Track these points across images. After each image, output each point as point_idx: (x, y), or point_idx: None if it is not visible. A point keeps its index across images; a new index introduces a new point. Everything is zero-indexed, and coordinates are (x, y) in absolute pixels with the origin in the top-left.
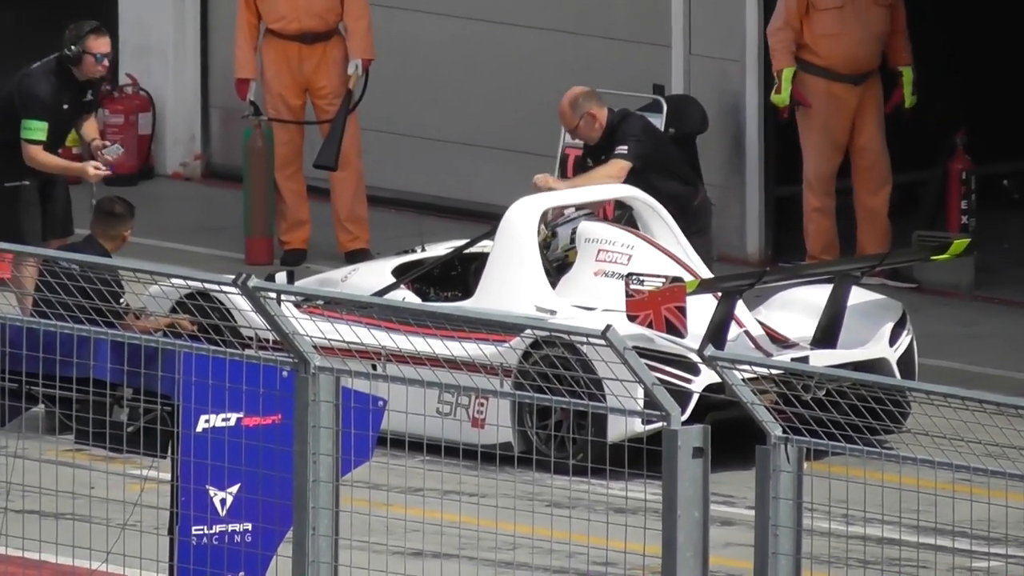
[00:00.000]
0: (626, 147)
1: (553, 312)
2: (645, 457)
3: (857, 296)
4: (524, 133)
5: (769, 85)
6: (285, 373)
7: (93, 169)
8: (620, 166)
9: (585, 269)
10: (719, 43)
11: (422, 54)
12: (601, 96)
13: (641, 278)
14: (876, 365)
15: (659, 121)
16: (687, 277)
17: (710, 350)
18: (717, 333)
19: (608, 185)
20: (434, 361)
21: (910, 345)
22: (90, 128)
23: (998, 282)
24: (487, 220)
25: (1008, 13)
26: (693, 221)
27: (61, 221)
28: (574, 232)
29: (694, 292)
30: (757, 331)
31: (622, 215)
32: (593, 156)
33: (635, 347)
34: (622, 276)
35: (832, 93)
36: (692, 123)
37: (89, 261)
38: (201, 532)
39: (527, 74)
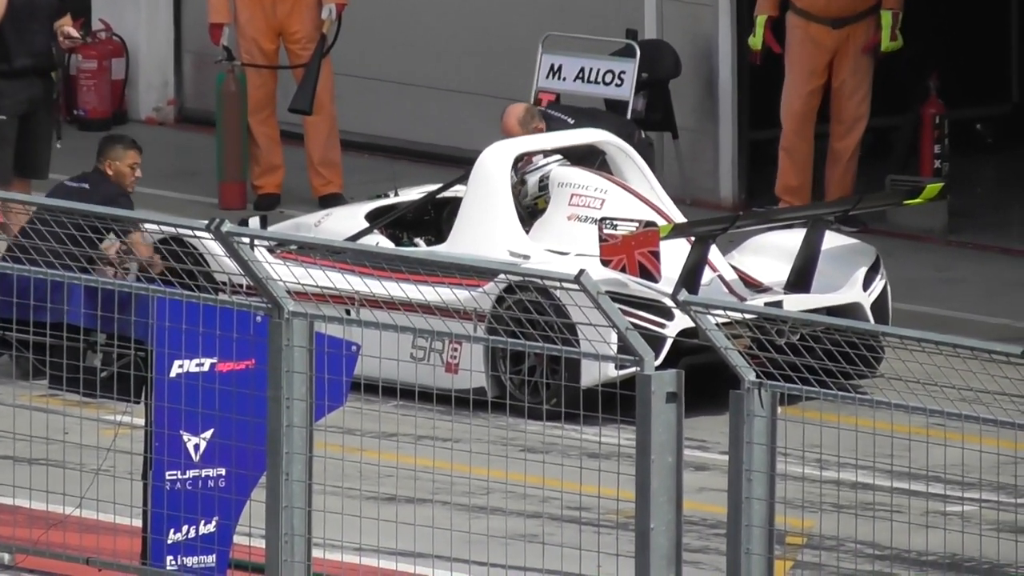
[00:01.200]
0: None
1: (526, 257)
2: (619, 402)
3: (831, 241)
4: (497, 78)
5: (743, 29)
6: (259, 318)
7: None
8: None
9: (558, 214)
10: None
11: None
12: (538, 112)
13: (614, 222)
14: (850, 310)
15: (632, 66)
16: (660, 221)
17: (684, 295)
18: (690, 278)
19: (579, 131)
20: (407, 306)
21: (884, 289)
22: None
23: (972, 227)
24: (460, 165)
25: None
26: None
27: (32, 162)
28: (543, 179)
29: (667, 236)
30: (731, 276)
31: (595, 161)
32: None
33: (608, 292)
34: (595, 220)
35: (810, 34)
36: (665, 68)
37: (72, 207)
38: (175, 477)
39: (501, 19)
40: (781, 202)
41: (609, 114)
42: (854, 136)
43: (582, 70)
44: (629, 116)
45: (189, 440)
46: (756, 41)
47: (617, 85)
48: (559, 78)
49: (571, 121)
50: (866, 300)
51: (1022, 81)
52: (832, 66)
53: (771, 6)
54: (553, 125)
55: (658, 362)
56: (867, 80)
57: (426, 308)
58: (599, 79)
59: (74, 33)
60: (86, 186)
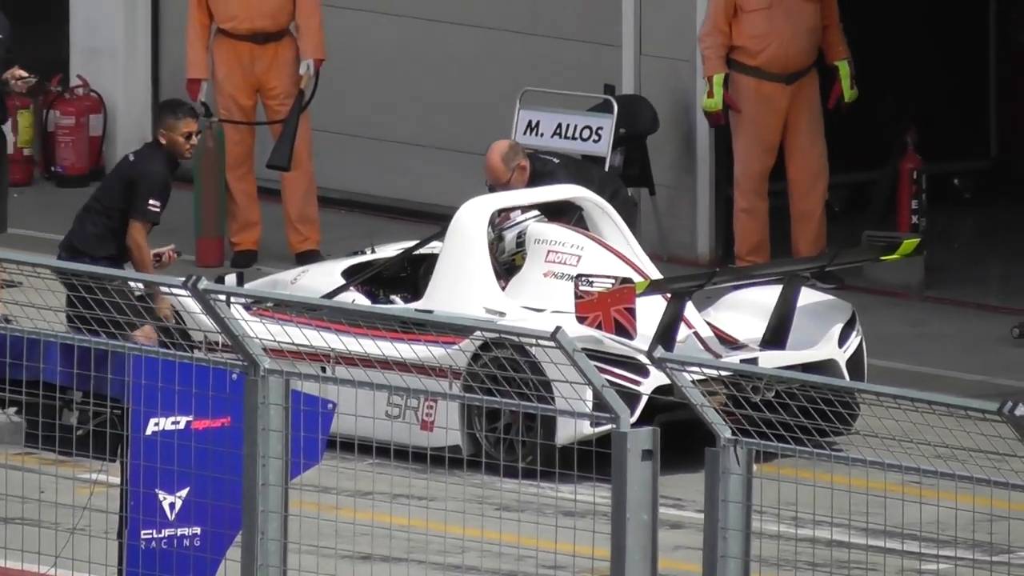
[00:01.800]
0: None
1: (502, 313)
2: (594, 460)
3: (806, 297)
4: (474, 134)
5: None
6: (235, 376)
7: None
8: None
9: (535, 270)
10: (670, 43)
11: (373, 54)
12: (522, 148)
13: (590, 279)
14: (825, 366)
15: (610, 121)
16: (636, 278)
17: (659, 351)
18: (666, 334)
19: (557, 187)
20: (383, 363)
21: (859, 346)
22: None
23: (948, 282)
24: (437, 221)
25: (957, 12)
26: None
27: None
28: (520, 236)
29: (643, 293)
30: (706, 332)
31: (572, 216)
32: None
33: (584, 348)
34: (571, 277)
35: (762, 93)
36: (643, 123)
37: (74, 270)
38: (150, 536)
39: (478, 74)
40: (740, 262)
41: (594, 166)
42: (818, 192)
43: (559, 126)
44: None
45: (165, 498)
46: (716, 102)
47: (595, 141)
48: (537, 134)
49: (556, 161)
50: (842, 357)
51: (1000, 136)
52: (786, 124)
53: (722, 64)
54: (538, 166)
55: (633, 419)
56: (822, 134)
57: (402, 365)
58: (577, 135)
59: (24, 74)
60: (131, 157)
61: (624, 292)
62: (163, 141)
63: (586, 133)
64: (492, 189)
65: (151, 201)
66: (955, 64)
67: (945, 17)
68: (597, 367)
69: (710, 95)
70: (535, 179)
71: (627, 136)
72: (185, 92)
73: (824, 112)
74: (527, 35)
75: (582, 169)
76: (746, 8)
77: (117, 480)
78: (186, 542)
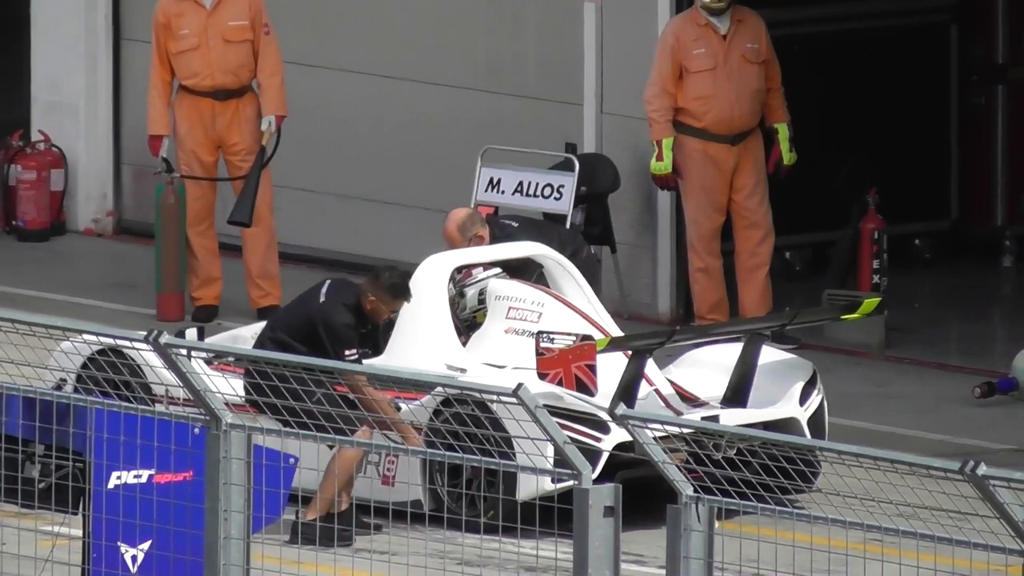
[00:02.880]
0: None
1: (463, 370)
2: (556, 516)
3: (767, 355)
4: (435, 191)
5: None
6: (197, 430)
7: None
8: None
9: (495, 326)
10: (631, 102)
11: (334, 111)
12: (481, 217)
13: (551, 336)
14: (786, 425)
15: (571, 180)
16: (597, 335)
17: (621, 409)
18: (627, 392)
19: (517, 244)
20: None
21: (821, 404)
22: None
23: (910, 342)
24: None
25: (918, 73)
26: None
27: None
28: (482, 292)
29: (604, 350)
30: (667, 390)
31: (532, 273)
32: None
33: (545, 405)
34: (532, 334)
35: (709, 154)
36: (604, 182)
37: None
38: None
39: (439, 132)
40: (700, 321)
41: (556, 225)
42: (767, 247)
43: (521, 183)
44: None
45: (127, 551)
46: (666, 165)
47: (556, 199)
48: (498, 191)
49: (515, 224)
50: (803, 415)
51: (961, 197)
52: (732, 183)
53: (670, 128)
54: (497, 232)
55: (594, 475)
56: (767, 193)
57: (363, 420)
58: (538, 192)
59: None
60: (322, 298)
61: (585, 349)
62: (368, 306)
63: (547, 191)
64: None
65: (347, 352)
66: (917, 126)
67: (907, 79)
68: (558, 423)
69: (659, 158)
70: (495, 243)
71: (588, 194)
72: (146, 147)
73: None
74: (489, 93)
75: (543, 229)
76: (691, 69)
77: (79, 533)
78: None
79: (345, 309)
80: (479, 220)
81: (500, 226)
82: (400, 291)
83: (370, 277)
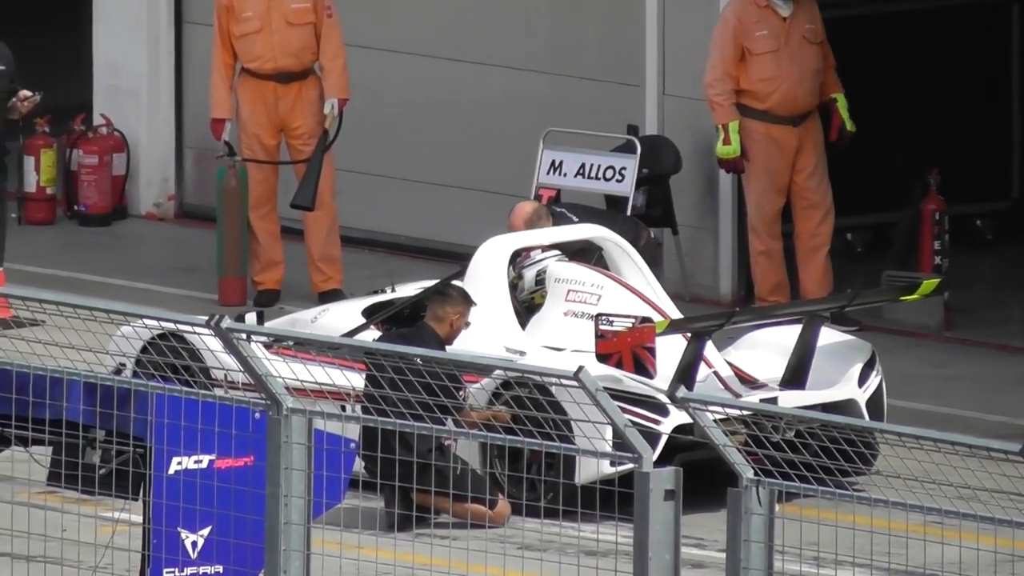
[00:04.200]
0: None
1: (522, 353)
2: (616, 499)
3: (826, 337)
4: (496, 173)
5: None
6: (257, 415)
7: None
8: None
9: (555, 309)
10: (693, 83)
11: (396, 94)
12: (549, 210)
13: (611, 318)
14: (845, 406)
15: (633, 162)
16: (657, 317)
17: (682, 391)
18: (686, 374)
19: (577, 226)
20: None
21: (879, 386)
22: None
23: (970, 323)
24: (458, 260)
25: (980, 52)
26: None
27: None
28: (540, 274)
29: (664, 332)
30: (726, 372)
31: (592, 255)
32: None
33: (605, 388)
34: (591, 316)
35: (772, 136)
36: (666, 164)
37: (387, 350)
38: (173, 574)
39: (500, 114)
40: (761, 303)
41: (617, 214)
42: (828, 227)
43: (583, 166)
44: (629, 212)
45: (187, 537)
46: (734, 148)
47: (618, 181)
48: (560, 174)
49: (575, 219)
50: (861, 397)
51: (1022, 177)
52: (795, 163)
53: (734, 111)
54: (560, 223)
55: (654, 458)
56: (826, 171)
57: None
58: (600, 175)
59: (28, 93)
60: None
61: (644, 331)
62: (452, 327)
63: (609, 173)
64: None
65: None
66: (977, 106)
67: (968, 59)
68: (618, 406)
69: (726, 142)
70: None
71: (650, 176)
72: (208, 131)
73: (829, 147)
74: (551, 75)
75: (601, 218)
76: (755, 51)
77: (139, 519)
78: None
79: (438, 346)
80: (545, 214)
81: (561, 218)
82: (470, 296)
83: (439, 301)
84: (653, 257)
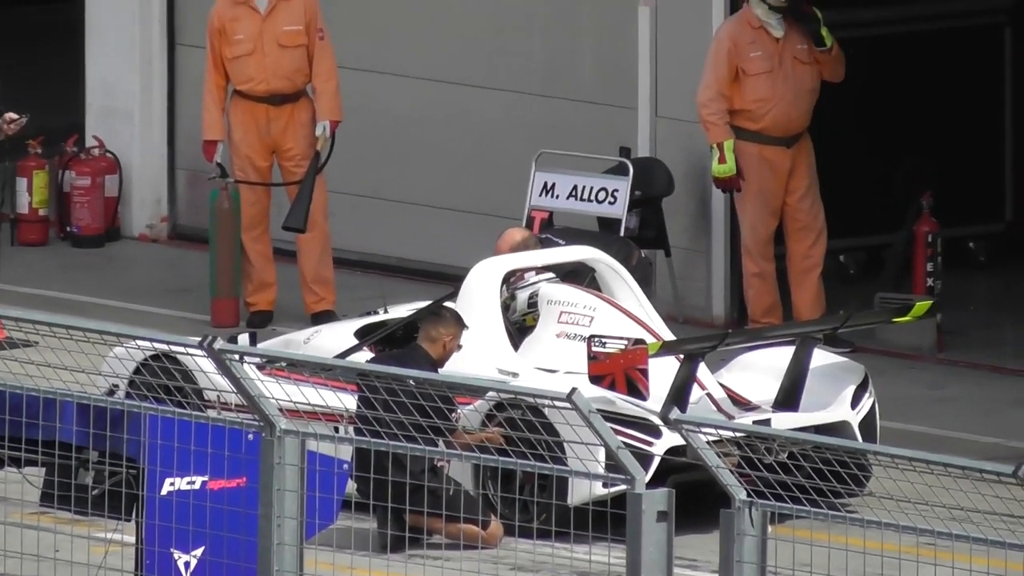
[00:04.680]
0: None
1: (515, 374)
2: (609, 520)
3: (819, 359)
4: (489, 195)
5: None
6: (250, 436)
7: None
8: None
9: (547, 331)
10: (686, 105)
11: (389, 116)
12: (537, 239)
13: (603, 340)
14: (838, 428)
15: (625, 184)
16: (649, 339)
17: (675, 413)
18: (679, 396)
19: (570, 248)
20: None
21: (872, 408)
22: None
23: (963, 345)
24: (451, 282)
25: (973, 76)
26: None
27: None
28: (533, 296)
29: (656, 354)
30: (719, 394)
31: (585, 277)
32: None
33: (598, 409)
34: (584, 338)
35: (765, 157)
36: (658, 186)
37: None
38: None
39: (493, 136)
40: (754, 324)
41: (607, 235)
42: (820, 249)
43: (575, 188)
44: (622, 234)
45: (180, 558)
46: (730, 167)
47: (610, 203)
48: (552, 196)
49: (562, 243)
50: (854, 418)
51: (1016, 199)
52: (787, 185)
53: (729, 130)
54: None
55: (647, 480)
56: (818, 193)
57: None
58: (592, 197)
59: (14, 116)
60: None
61: (637, 353)
62: (445, 348)
63: (602, 195)
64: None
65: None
66: (971, 129)
67: (962, 82)
68: (611, 428)
69: (722, 160)
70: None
71: (643, 198)
72: (201, 152)
73: (824, 168)
74: (543, 97)
75: (593, 241)
76: (749, 72)
77: (132, 539)
78: None
79: (431, 368)
80: (533, 243)
81: (549, 245)
82: (462, 319)
83: (432, 322)
84: (644, 277)
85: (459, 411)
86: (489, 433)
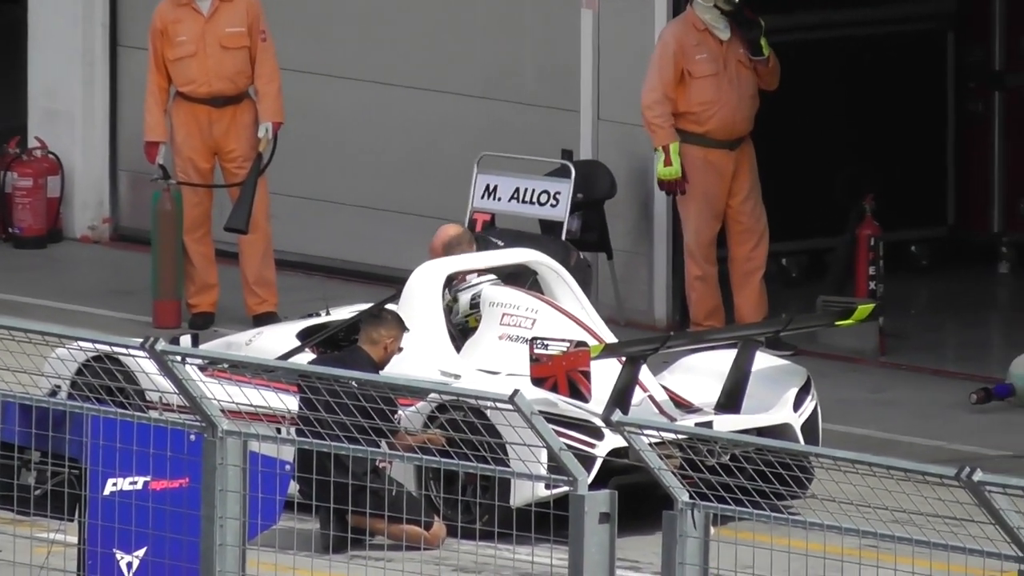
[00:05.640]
0: None
1: (457, 376)
2: (552, 522)
3: (761, 361)
4: (431, 197)
5: None
6: (192, 437)
7: None
8: None
9: (489, 333)
10: (628, 108)
11: (331, 118)
12: (472, 235)
13: (545, 342)
14: (780, 430)
15: (567, 187)
16: (591, 341)
17: (617, 415)
18: (621, 398)
19: (511, 250)
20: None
21: (814, 410)
22: None
23: (906, 348)
24: (392, 284)
25: (915, 80)
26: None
27: None
28: (475, 297)
29: (598, 356)
30: (661, 396)
31: (527, 279)
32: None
33: (540, 411)
34: (526, 340)
35: (709, 160)
36: (600, 188)
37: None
38: None
39: (435, 139)
40: (696, 328)
41: (546, 237)
42: (762, 251)
43: (517, 190)
44: (564, 237)
45: (122, 558)
46: (675, 170)
47: (552, 205)
48: (494, 198)
49: (502, 244)
50: (796, 421)
51: (958, 204)
52: (731, 187)
53: (674, 133)
54: (485, 248)
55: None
56: (760, 196)
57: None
58: (534, 199)
59: None
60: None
61: (579, 355)
62: (386, 350)
63: (544, 198)
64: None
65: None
66: (913, 133)
67: (904, 87)
68: (553, 430)
69: (667, 163)
70: None
71: (585, 201)
72: (143, 154)
73: (766, 171)
74: (486, 100)
75: (532, 243)
76: (695, 74)
77: (75, 540)
78: None
79: (372, 369)
80: (467, 239)
81: (489, 244)
82: (403, 321)
83: (373, 324)
84: (583, 279)
85: (400, 412)
86: (431, 434)
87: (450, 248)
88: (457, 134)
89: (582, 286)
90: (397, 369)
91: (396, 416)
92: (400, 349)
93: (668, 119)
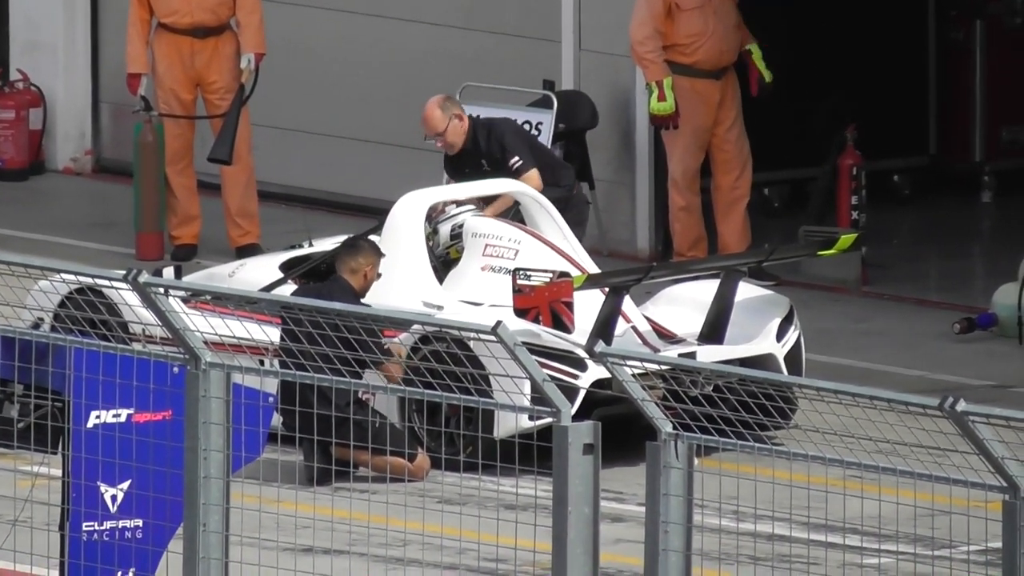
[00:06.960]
0: (519, 159)
1: (440, 307)
2: (535, 453)
3: (744, 292)
4: (413, 128)
5: None
6: (176, 369)
7: None
8: (533, 177)
9: (472, 264)
10: (609, 38)
11: (312, 49)
12: (455, 100)
13: (528, 273)
14: (763, 361)
15: (549, 117)
16: (574, 272)
17: (600, 346)
18: (604, 329)
19: (492, 180)
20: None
21: (797, 341)
22: None
23: (888, 278)
24: (374, 215)
25: (896, 11)
26: (567, 215)
27: None
28: (456, 228)
29: (581, 287)
30: (644, 327)
31: (509, 210)
32: (462, 165)
33: (523, 343)
34: (509, 271)
35: (696, 90)
36: (582, 119)
37: (314, 306)
38: (92, 528)
39: (417, 70)
40: (680, 258)
41: (552, 153)
42: (746, 180)
43: None
44: None
45: (106, 491)
46: (669, 105)
47: (535, 135)
48: None
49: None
50: (779, 351)
51: (939, 133)
52: (716, 117)
53: (666, 67)
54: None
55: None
56: (743, 124)
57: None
58: None
59: None
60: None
61: (562, 286)
62: (366, 278)
63: (526, 128)
64: (436, 139)
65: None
66: (894, 62)
67: (884, 16)
68: (536, 361)
69: (661, 98)
70: (473, 136)
71: (566, 131)
72: (125, 86)
73: (749, 100)
74: (466, 30)
75: (541, 155)
76: (683, 7)
77: (59, 472)
78: (128, 534)
79: (353, 299)
80: (457, 103)
81: (489, 132)
82: (379, 247)
83: (351, 253)
84: (580, 215)
85: (396, 340)
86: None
87: (445, 108)
88: (439, 65)
89: (578, 222)
90: (380, 300)
91: (386, 345)
92: (379, 275)
93: (660, 53)
